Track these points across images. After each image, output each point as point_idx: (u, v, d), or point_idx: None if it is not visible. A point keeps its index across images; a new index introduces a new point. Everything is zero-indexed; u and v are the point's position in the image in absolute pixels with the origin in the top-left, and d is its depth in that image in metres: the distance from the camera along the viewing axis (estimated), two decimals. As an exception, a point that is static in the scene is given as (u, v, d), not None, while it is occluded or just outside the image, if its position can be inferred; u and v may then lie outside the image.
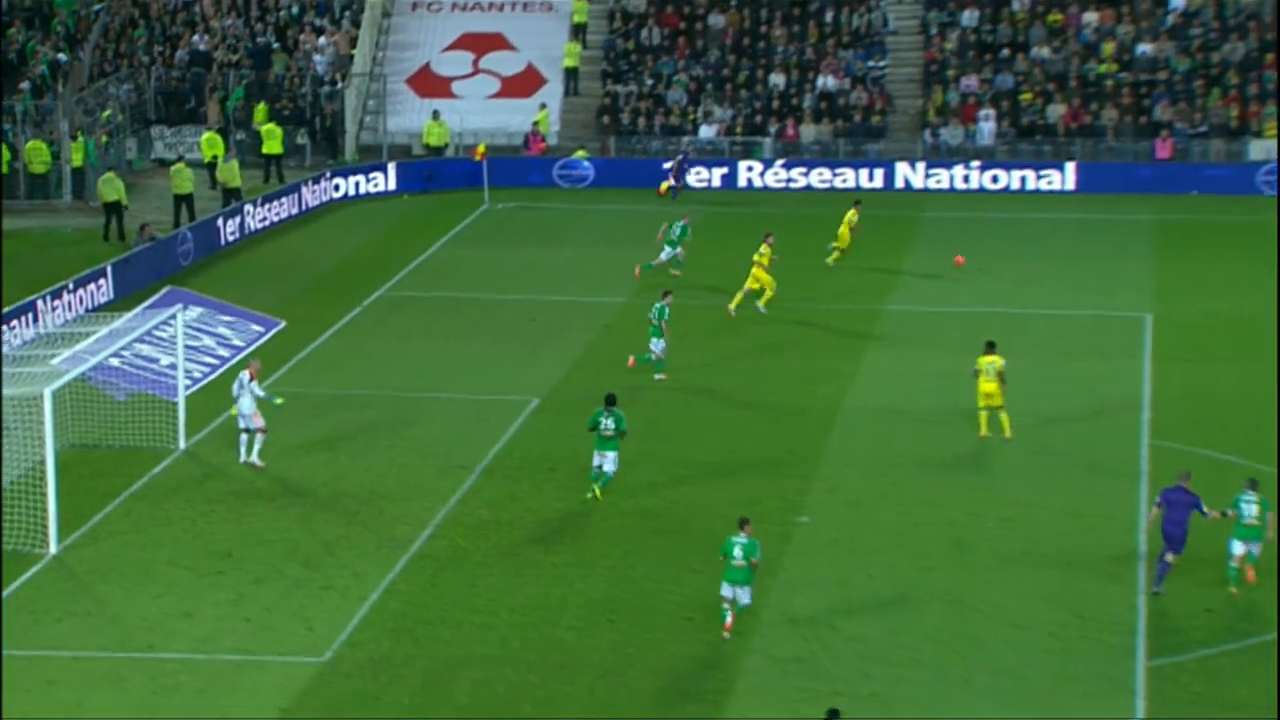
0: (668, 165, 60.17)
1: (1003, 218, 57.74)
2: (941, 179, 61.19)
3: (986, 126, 63.57)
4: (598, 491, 32.68)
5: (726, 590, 27.61)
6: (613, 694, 25.89)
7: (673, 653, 27.10)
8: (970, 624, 28.04)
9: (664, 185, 59.30)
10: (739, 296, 45.14)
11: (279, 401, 35.11)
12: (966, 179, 61.19)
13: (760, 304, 45.16)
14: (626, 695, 25.86)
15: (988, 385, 35.79)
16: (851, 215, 50.27)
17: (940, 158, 62.49)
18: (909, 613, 28.45)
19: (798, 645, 27.31)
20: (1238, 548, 28.89)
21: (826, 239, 52.01)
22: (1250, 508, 28.95)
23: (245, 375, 34.74)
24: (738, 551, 27.65)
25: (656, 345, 39.54)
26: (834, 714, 22.98)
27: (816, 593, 29.18)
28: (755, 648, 27.21)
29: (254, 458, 34.67)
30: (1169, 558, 28.95)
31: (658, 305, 39.91)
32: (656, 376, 39.39)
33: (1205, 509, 28.90)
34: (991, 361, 35.85)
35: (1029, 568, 30.20)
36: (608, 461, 32.74)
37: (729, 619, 27.52)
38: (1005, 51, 66.05)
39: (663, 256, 48.13)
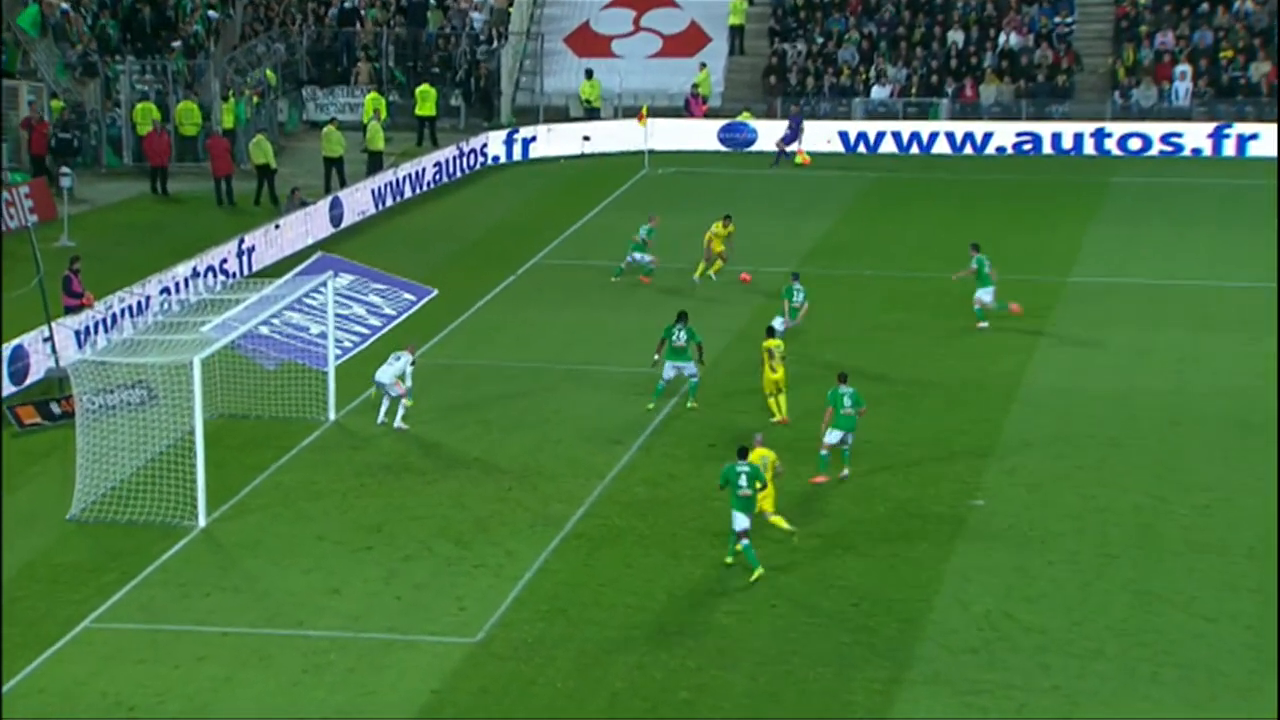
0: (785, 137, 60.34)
1: (1199, 184, 56.85)
2: (1133, 143, 60.37)
3: (1182, 86, 62.54)
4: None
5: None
6: (775, 682, 25.81)
7: (838, 640, 26.97)
8: (1159, 615, 27.58)
9: (801, 153, 59.45)
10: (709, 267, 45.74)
11: (409, 403, 35.75)
12: (1162, 141, 60.33)
13: (711, 273, 45.72)
14: (790, 683, 25.78)
15: (774, 373, 35.52)
16: (718, 227, 46.38)
17: (1132, 119, 61.58)
18: (1092, 603, 28.11)
19: (972, 635, 27.07)
20: None
21: (1007, 206, 51.60)
22: None
23: (405, 354, 35.72)
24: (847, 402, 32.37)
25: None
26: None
27: (992, 579, 28.90)
28: (928, 636, 27.05)
29: (399, 422, 35.35)
30: None
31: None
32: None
33: None
34: (777, 346, 35.73)
35: (1223, 556, 29.68)
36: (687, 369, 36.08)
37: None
38: (1204, 5, 64.83)
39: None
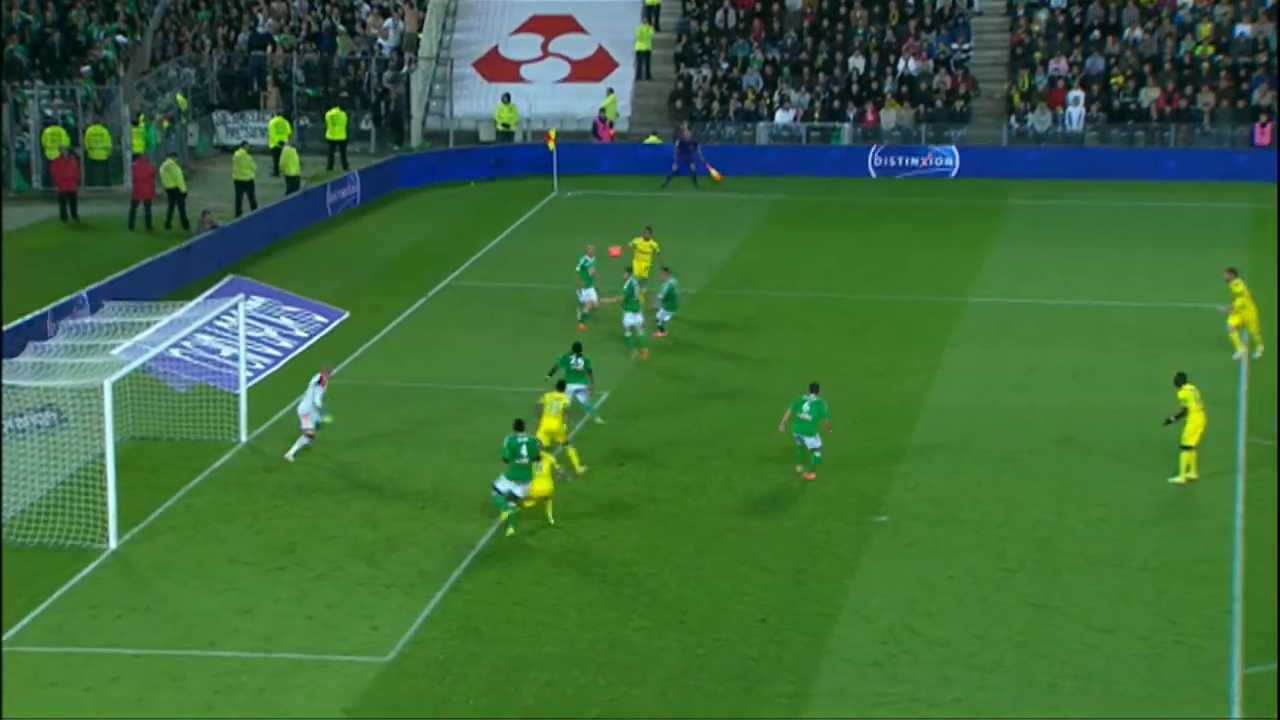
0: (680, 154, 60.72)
1: (1092, 205, 57.61)
2: (1028, 165, 61.09)
3: (1075, 111, 63.27)
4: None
5: None
6: (684, 697, 25.94)
7: (746, 655, 27.14)
8: (1057, 628, 27.93)
9: (714, 173, 59.78)
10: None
11: (328, 419, 35.30)
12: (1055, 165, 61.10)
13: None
14: (700, 698, 25.92)
15: (551, 422, 34.27)
16: (639, 242, 46.08)
17: (1027, 143, 62.29)
18: (992, 615, 28.39)
19: (875, 649, 27.29)
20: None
21: (906, 228, 52.10)
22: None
23: (315, 379, 35.24)
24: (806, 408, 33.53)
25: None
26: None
27: (896, 594, 29.16)
28: (832, 650, 27.24)
29: (289, 454, 34.92)
30: None
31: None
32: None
33: None
34: (556, 399, 34.68)
35: (1118, 569, 30.06)
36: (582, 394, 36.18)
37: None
38: (1096, 33, 65.71)
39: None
